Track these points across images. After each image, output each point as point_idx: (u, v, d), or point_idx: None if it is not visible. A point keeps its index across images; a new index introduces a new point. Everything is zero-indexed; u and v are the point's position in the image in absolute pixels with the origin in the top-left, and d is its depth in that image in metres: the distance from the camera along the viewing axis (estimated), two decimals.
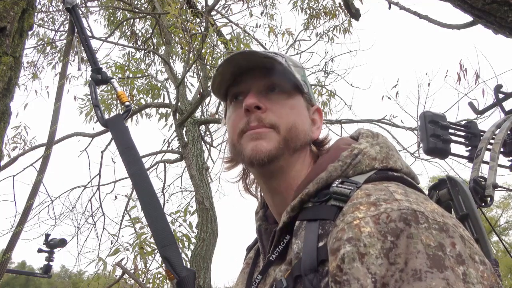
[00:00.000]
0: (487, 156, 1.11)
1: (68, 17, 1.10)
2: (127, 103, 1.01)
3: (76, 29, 1.08)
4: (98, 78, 1.02)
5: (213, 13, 5.72)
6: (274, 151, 0.77)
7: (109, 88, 5.42)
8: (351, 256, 0.57)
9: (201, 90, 4.75)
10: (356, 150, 0.75)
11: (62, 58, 1.09)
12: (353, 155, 0.74)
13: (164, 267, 0.86)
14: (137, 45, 6.73)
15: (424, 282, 0.52)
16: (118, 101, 1.05)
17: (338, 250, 0.59)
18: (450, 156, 1.16)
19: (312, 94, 0.90)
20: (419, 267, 0.53)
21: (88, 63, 1.07)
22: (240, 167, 0.93)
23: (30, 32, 1.09)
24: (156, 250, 3.96)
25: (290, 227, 0.74)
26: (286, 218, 0.74)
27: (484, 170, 1.09)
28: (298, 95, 0.84)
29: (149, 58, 6.74)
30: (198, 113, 5.78)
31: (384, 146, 0.77)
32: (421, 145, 1.16)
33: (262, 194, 0.92)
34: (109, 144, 5.53)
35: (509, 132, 1.16)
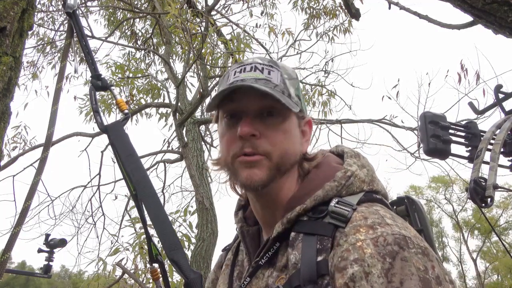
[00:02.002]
0: (487, 156, 1.11)
1: (68, 18, 1.09)
2: (126, 111, 1.02)
3: (75, 33, 1.08)
4: (98, 84, 1.02)
5: (213, 13, 5.72)
6: (266, 178, 0.80)
7: None
8: (359, 275, 0.64)
9: (201, 90, 4.75)
10: (349, 172, 0.81)
11: (60, 61, 1.08)
12: (346, 177, 0.81)
13: (149, 268, 0.88)
14: (137, 45, 6.73)
15: None
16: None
17: (345, 268, 0.66)
18: (450, 157, 1.16)
19: (304, 107, 0.91)
20: None
21: (85, 63, 1.07)
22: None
23: (30, 32, 1.09)
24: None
25: (282, 235, 0.80)
26: (281, 229, 0.79)
27: (485, 170, 1.09)
28: (291, 115, 0.85)
29: (149, 58, 6.74)
30: (198, 113, 5.78)
31: (370, 169, 0.85)
32: (421, 145, 1.16)
33: (242, 196, 0.96)
34: (109, 144, 5.52)
35: (509, 132, 1.16)
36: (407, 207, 0.91)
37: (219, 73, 5.10)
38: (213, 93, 5.62)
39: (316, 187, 0.80)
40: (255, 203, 0.88)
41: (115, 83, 5.59)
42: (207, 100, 5.54)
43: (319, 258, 0.70)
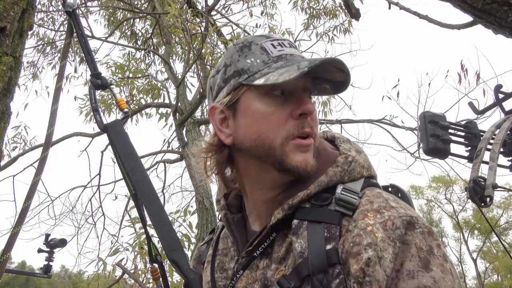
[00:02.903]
0: (487, 156, 1.11)
1: (67, 17, 1.09)
2: (125, 110, 1.01)
3: (75, 32, 1.08)
4: (98, 83, 1.02)
5: (213, 13, 5.72)
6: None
7: None
8: (374, 260, 0.64)
9: (201, 90, 4.76)
10: (350, 157, 0.79)
11: (60, 60, 1.08)
12: (348, 162, 0.79)
13: (149, 268, 0.87)
14: (137, 45, 6.73)
15: (416, 280, 0.61)
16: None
17: (359, 254, 0.65)
18: (450, 156, 1.16)
19: None
20: (412, 268, 0.62)
21: (85, 63, 1.07)
22: (214, 158, 0.86)
23: (30, 32, 1.09)
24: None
25: (279, 225, 0.76)
26: (281, 215, 0.76)
27: (484, 170, 1.09)
28: None
29: (149, 58, 6.75)
30: (198, 113, 5.78)
31: (365, 155, 0.84)
32: (421, 145, 1.16)
33: (227, 183, 0.90)
34: (109, 144, 5.51)
35: (509, 132, 1.16)
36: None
37: None
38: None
39: (317, 172, 0.77)
40: (264, 188, 0.81)
41: (115, 83, 5.59)
42: (207, 100, 5.53)
43: (328, 247, 0.68)
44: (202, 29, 4.37)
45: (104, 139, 5.75)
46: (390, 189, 0.86)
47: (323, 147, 0.83)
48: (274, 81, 0.73)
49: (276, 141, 0.75)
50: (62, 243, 1.68)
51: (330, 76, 0.80)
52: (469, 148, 1.19)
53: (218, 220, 0.96)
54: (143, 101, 5.91)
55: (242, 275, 0.80)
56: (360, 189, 0.75)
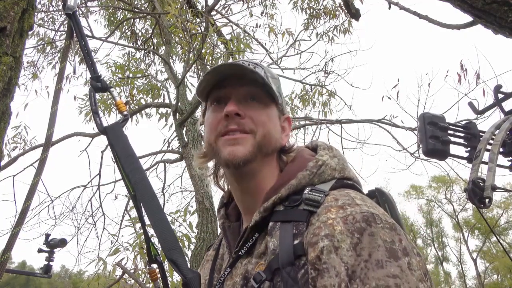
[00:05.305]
0: (486, 157, 1.11)
1: (67, 19, 1.10)
2: (125, 113, 1.02)
3: (75, 35, 1.08)
4: (98, 86, 1.03)
5: (213, 13, 5.72)
6: (249, 155, 0.86)
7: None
8: (328, 249, 0.69)
9: None
10: (320, 161, 0.87)
11: (60, 61, 1.08)
12: (318, 166, 0.86)
13: (148, 268, 0.88)
14: (137, 45, 6.73)
15: (385, 269, 0.66)
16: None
17: (316, 243, 0.71)
18: (449, 157, 1.16)
19: (284, 104, 0.99)
20: (380, 258, 0.67)
21: (85, 63, 1.07)
22: (212, 162, 1.00)
23: (30, 32, 1.09)
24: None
25: (259, 226, 0.85)
26: (258, 217, 0.84)
27: (484, 170, 1.09)
28: (273, 106, 0.93)
29: (149, 58, 6.75)
30: (198, 113, 5.78)
31: (341, 159, 0.90)
32: (421, 146, 1.16)
33: (226, 190, 1.02)
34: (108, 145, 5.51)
35: (508, 132, 1.16)
36: (377, 199, 0.94)
37: None
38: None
39: (291, 178, 0.85)
40: (236, 189, 0.92)
41: (115, 83, 5.59)
42: None
43: (296, 242, 0.75)
44: (202, 29, 4.37)
45: (104, 139, 5.73)
46: (376, 193, 0.93)
47: (301, 155, 0.92)
48: (197, 91, 0.93)
49: (212, 139, 0.89)
50: (62, 243, 1.68)
51: (247, 82, 0.90)
52: (469, 149, 1.19)
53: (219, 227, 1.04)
54: (143, 101, 5.91)
55: (230, 272, 0.88)
56: (328, 189, 0.82)
